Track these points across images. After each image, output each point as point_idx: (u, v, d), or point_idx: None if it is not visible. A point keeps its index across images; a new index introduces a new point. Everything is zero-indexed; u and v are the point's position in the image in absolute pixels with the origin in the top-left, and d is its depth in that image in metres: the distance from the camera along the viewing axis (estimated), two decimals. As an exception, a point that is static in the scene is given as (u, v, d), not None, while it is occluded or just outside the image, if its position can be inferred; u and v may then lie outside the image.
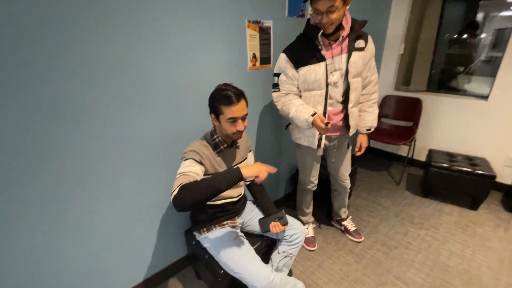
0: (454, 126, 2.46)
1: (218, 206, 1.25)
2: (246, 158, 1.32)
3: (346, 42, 1.26)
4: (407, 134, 2.50)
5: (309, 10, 1.80)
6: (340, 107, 1.36)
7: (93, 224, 1.17)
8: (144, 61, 1.12)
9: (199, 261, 1.32)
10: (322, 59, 1.25)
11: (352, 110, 1.35)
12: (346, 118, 1.37)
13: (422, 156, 2.72)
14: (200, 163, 1.08)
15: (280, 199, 2.21)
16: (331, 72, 1.28)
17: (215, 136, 1.16)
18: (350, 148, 1.59)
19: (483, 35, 3.00)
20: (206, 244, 1.25)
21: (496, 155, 2.25)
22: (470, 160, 2.18)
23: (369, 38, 1.31)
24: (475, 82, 3.01)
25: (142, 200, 1.31)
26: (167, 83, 1.23)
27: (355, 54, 1.26)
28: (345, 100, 1.33)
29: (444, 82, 2.73)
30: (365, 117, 1.47)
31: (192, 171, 1.01)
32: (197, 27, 1.26)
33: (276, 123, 1.91)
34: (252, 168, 0.97)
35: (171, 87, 1.25)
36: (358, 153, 1.51)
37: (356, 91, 1.33)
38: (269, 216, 1.28)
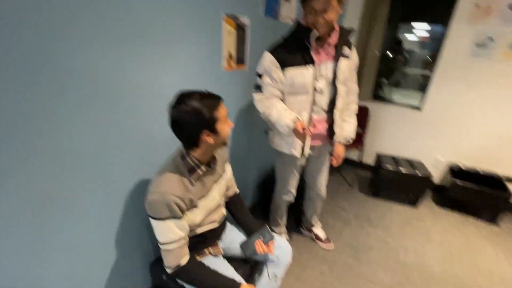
0: (395, 132, 2.78)
1: (198, 236, 1.03)
2: (224, 172, 1.13)
3: (333, 49, 1.22)
4: (358, 139, 2.70)
5: (282, 12, 1.73)
6: (325, 115, 1.31)
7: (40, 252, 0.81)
8: (91, 56, 0.82)
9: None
10: (310, 61, 1.19)
11: (338, 118, 1.32)
12: (330, 127, 1.34)
13: (368, 159, 2.98)
14: (181, 216, 0.89)
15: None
16: (316, 78, 1.23)
17: (188, 159, 0.91)
18: (329, 157, 1.57)
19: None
20: (184, 279, 1.02)
21: (426, 157, 2.62)
22: (411, 163, 2.48)
23: (353, 47, 1.31)
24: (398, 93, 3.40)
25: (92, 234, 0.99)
26: (122, 85, 0.93)
27: (342, 61, 1.23)
28: (331, 108, 1.29)
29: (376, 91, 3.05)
30: (345, 127, 1.45)
31: (181, 237, 0.91)
32: (164, 13, 1.03)
33: (248, 128, 1.78)
34: None
35: (127, 90, 0.96)
36: (336, 164, 1.49)
37: (343, 98, 1.31)
38: (251, 236, 1.14)
